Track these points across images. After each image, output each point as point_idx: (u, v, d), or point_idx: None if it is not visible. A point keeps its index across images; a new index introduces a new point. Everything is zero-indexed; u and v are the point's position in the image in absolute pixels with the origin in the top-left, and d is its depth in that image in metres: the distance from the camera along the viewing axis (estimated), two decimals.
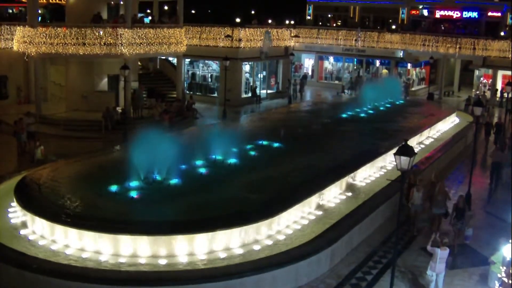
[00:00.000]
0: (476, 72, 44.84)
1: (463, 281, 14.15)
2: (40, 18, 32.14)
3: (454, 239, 15.87)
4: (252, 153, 20.50)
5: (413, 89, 45.19)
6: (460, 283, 14.05)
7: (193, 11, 68.14)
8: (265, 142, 21.89)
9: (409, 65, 45.37)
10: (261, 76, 41.30)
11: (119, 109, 30.38)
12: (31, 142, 23.90)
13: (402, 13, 49.93)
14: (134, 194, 15.61)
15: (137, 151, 16.44)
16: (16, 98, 33.92)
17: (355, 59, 47.10)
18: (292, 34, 44.19)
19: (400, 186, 13.36)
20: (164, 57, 38.52)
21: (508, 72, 38.32)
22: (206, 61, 40.44)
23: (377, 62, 46.86)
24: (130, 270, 12.53)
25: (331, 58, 48.61)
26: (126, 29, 29.84)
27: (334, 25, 52.40)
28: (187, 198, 15.49)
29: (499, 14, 47.03)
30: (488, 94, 42.14)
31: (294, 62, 45.06)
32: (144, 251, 13.15)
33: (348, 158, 20.34)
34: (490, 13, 47.24)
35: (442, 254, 13.12)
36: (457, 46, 41.63)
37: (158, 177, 16.66)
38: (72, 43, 28.74)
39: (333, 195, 17.59)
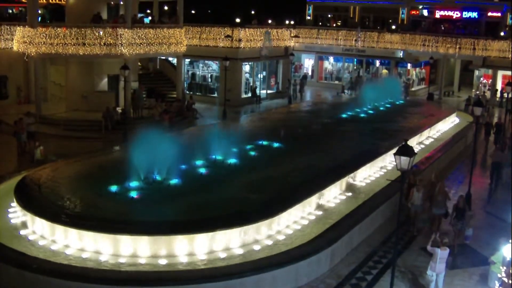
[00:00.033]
0: (476, 72, 44.85)
1: (463, 281, 14.15)
2: (40, 18, 32.14)
3: (454, 239, 15.87)
4: (252, 153, 20.50)
5: (413, 89, 45.19)
6: (460, 283, 14.05)
7: (193, 11, 68.17)
8: (265, 142, 21.90)
9: (409, 65, 45.38)
10: (261, 76, 41.30)
11: (119, 109, 30.38)
12: (31, 142, 23.91)
13: (402, 13, 49.95)
14: (134, 194, 15.61)
15: (137, 151, 16.43)
16: (16, 98, 33.93)
17: (355, 59, 47.11)
18: (292, 34, 44.19)
19: (400, 186, 13.35)
20: (164, 57, 38.53)
21: (508, 72, 38.33)
22: (206, 61, 40.44)
23: (377, 62, 46.87)
24: (130, 270, 12.54)
25: (331, 58, 48.62)
26: (126, 29, 29.85)
27: (334, 25, 52.43)
28: (187, 198, 15.49)
29: (499, 14, 47.05)
30: (488, 94, 42.14)
31: (294, 62, 45.08)
32: (144, 251, 13.15)
33: (348, 158, 20.34)
34: (490, 13, 47.27)
35: (442, 254, 13.12)
36: (457, 46, 41.63)
37: (158, 177, 16.67)
38: (72, 43, 28.75)
39: (333, 195, 17.58)
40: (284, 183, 17.19)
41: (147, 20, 39.06)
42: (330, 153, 20.96)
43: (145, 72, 38.78)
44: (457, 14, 48.19)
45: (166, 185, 16.40)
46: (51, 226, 13.85)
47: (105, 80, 32.14)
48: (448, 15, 48.60)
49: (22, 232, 14.32)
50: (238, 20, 54.84)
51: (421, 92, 45.67)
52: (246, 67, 39.91)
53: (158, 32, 31.59)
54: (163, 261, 12.95)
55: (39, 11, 33.54)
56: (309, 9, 54.45)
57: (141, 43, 30.52)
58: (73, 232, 13.50)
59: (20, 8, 45.15)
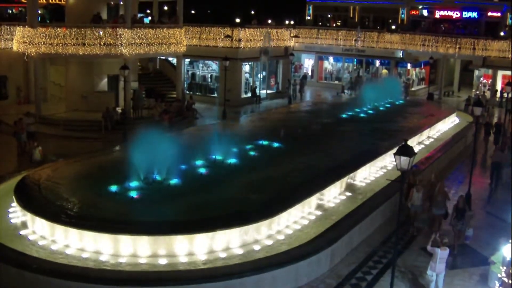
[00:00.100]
0: (476, 72, 44.85)
1: (463, 281, 14.15)
2: (40, 18, 32.10)
3: (455, 239, 15.87)
4: (252, 153, 20.49)
5: (413, 89, 45.19)
6: (460, 283, 14.05)
7: (193, 11, 68.14)
8: (265, 142, 21.89)
9: (409, 65, 45.38)
10: (261, 76, 41.30)
11: (119, 109, 30.37)
12: (31, 142, 23.90)
13: (402, 13, 49.96)
14: (134, 194, 15.61)
15: (137, 151, 16.43)
16: (16, 98, 33.93)
17: (355, 59, 47.10)
18: (292, 34, 44.19)
19: (400, 186, 13.36)
20: (164, 57, 38.53)
21: (508, 72, 38.31)
22: (206, 61, 40.44)
23: (377, 62, 46.87)
24: (130, 270, 12.53)
25: (331, 58, 48.61)
26: (126, 29, 29.85)
27: (334, 25, 52.44)
28: (187, 198, 15.48)
29: (499, 14, 47.06)
30: (488, 94, 42.13)
31: (294, 62, 45.08)
32: (144, 251, 13.15)
33: (348, 158, 20.34)
34: (490, 13, 47.28)
35: (442, 254, 13.12)
36: (457, 46, 41.63)
37: (158, 177, 16.66)
38: (72, 43, 28.75)
39: (333, 195, 17.58)
40: (284, 183, 17.19)
41: (147, 20, 39.07)
42: (330, 153, 20.95)
43: (145, 72, 38.76)
44: (457, 14, 48.20)
45: (166, 185, 16.39)
46: (51, 226, 13.85)
47: (105, 80, 32.15)
48: (448, 15, 48.61)
49: (22, 232, 14.32)
50: (238, 20, 54.84)
51: (421, 92, 45.68)
52: (246, 67, 39.92)
53: (158, 32, 31.59)
54: (163, 261, 12.95)
55: (39, 11, 33.53)
56: (309, 9, 54.46)
57: (141, 43, 30.52)
58: (73, 232, 13.50)
59: (20, 8, 45.15)
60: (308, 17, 54.49)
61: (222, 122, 30.28)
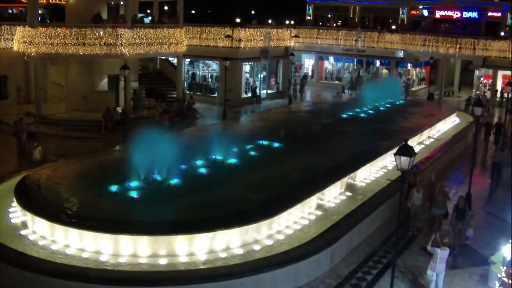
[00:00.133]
0: (476, 72, 44.85)
1: (463, 281, 14.15)
2: (40, 18, 32.14)
3: (455, 239, 15.87)
4: (252, 153, 20.49)
5: (413, 89, 45.19)
6: (460, 283, 14.05)
7: (193, 11, 68.16)
8: (265, 142, 21.89)
9: (409, 65, 45.38)
10: (261, 76, 41.31)
11: (119, 109, 30.38)
12: (31, 142, 23.90)
13: (402, 13, 49.94)
14: (134, 194, 15.61)
15: (137, 151, 16.43)
16: (16, 98, 33.93)
17: (355, 59, 47.11)
18: (292, 34, 44.19)
19: (400, 186, 13.35)
20: (164, 57, 38.52)
21: (508, 72, 38.33)
22: (206, 61, 40.45)
23: (377, 62, 46.86)
24: (130, 270, 12.53)
25: (331, 58, 48.61)
26: (126, 29, 29.85)
27: (334, 25, 52.43)
28: (187, 198, 15.48)
29: (499, 14, 47.04)
30: (488, 94, 42.15)
31: (294, 62, 45.06)
32: (144, 251, 13.15)
33: (348, 158, 20.34)
34: (490, 13, 47.27)
35: (442, 254, 13.12)
36: (457, 46, 41.63)
37: (158, 177, 16.66)
38: (72, 43, 28.75)
39: (333, 195, 17.58)
40: (284, 183, 17.19)
41: (147, 20, 39.05)
42: (330, 153, 20.95)
43: (145, 72, 38.77)
44: (457, 14, 48.19)
45: (166, 185, 16.39)
46: (51, 226, 13.85)
47: (105, 80, 32.15)
48: (448, 15, 48.60)
49: (22, 232, 14.32)
50: (238, 20, 54.86)
51: (421, 92, 45.68)
52: (246, 67, 39.91)
53: (158, 32, 31.60)
54: (163, 261, 12.95)
55: (39, 11, 33.56)
56: (309, 9, 54.45)
57: (141, 43, 30.52)
58: (73, 232, 13.50)
59: (20, 8, 45.17)
60: (309, 17, 54.48)
61: (222, 122, 30.29)
